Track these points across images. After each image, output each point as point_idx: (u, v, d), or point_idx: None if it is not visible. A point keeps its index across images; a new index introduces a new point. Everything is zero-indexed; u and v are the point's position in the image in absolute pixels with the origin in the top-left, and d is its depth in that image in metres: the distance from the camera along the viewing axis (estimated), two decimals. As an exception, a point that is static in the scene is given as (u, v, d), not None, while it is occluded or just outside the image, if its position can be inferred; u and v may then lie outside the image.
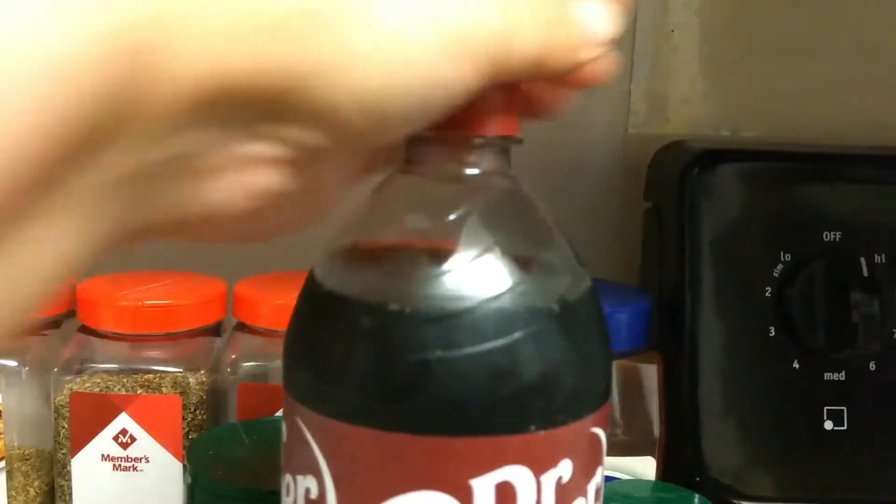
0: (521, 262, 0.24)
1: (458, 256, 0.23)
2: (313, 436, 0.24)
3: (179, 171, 0.19)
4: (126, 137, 0.17)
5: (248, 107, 0.19)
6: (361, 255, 0.25)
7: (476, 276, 0.23)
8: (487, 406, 0.23)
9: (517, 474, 0.23)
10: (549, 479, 0.23)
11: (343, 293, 0.24)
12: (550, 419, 0.23)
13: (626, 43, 0.59)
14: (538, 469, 0.23)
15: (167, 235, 0.22)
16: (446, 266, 0.23)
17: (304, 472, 0.24)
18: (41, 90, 0.14)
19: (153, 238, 0.21)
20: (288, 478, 0.25)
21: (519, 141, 0.26)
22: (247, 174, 0.21)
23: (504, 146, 0.26)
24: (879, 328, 0.50)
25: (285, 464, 0.26)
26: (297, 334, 0.25)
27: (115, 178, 0.17)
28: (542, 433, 0.23)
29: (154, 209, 0.20)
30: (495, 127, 0.25)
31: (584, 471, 0.24)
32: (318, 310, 0.25)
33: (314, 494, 0.24)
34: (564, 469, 0.24)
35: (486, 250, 0.24)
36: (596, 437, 0.25)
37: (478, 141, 0.25)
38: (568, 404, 0.23)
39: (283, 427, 0.26)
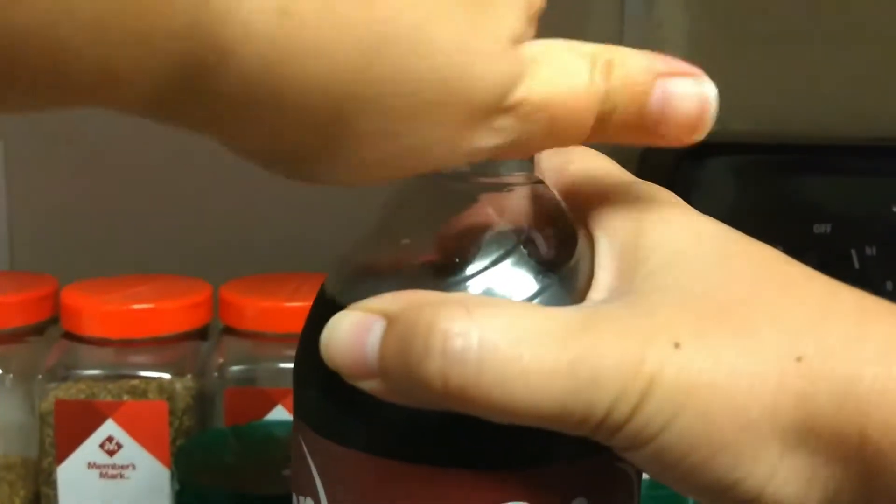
0: (540, 279, 0.23)
1: (469, 281, 0.22)
2: (312, 456, 0.23)
3: None
4: None
5: None
6: (372, 272, 0.24)
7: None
8: (485, 438, 0.21)
9: None
10: None
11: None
12: (555, 454, 0.22)
13: (613, 37, 0.59)
14: None
15: None
16: (457, 287, 0.22)
17: (304, 493, 0.24)
18: None
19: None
20: (294, 497, 0.25)
21: None
22: None
23: None
24: (872, 320, 0.49)
25: (292, 483, 0.25)
26: (303, 350, 0.25)
27: None
28: (546, 468, 0.22)
29: None
30: None
31: None
32: (318, 326, 0.24)
33: None
34: None
35: (502, 270, 0.22)
36: (622, 474, 0.23)
37: None
38: (575, 439, 0.21)
39: (292, 445, 0.25)
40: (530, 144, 0.22)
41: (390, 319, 0.21)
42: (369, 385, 0.21)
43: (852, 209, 0.52)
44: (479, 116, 0.20)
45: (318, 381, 0.23)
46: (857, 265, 0.51)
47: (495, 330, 0.20)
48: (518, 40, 0.20)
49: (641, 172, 0.24)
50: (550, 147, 0.23)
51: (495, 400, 0.20)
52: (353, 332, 0.21)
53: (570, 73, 0.21)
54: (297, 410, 0.24)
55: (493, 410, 0.20)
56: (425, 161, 0.21)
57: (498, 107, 0.20)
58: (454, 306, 0.20)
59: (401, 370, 0.20)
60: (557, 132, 0.21)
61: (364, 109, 0.19)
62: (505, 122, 0.21)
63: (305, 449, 0.23)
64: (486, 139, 0.21)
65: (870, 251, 0.51)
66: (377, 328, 0.21)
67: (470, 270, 0.22)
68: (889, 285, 0.52)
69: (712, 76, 0.23)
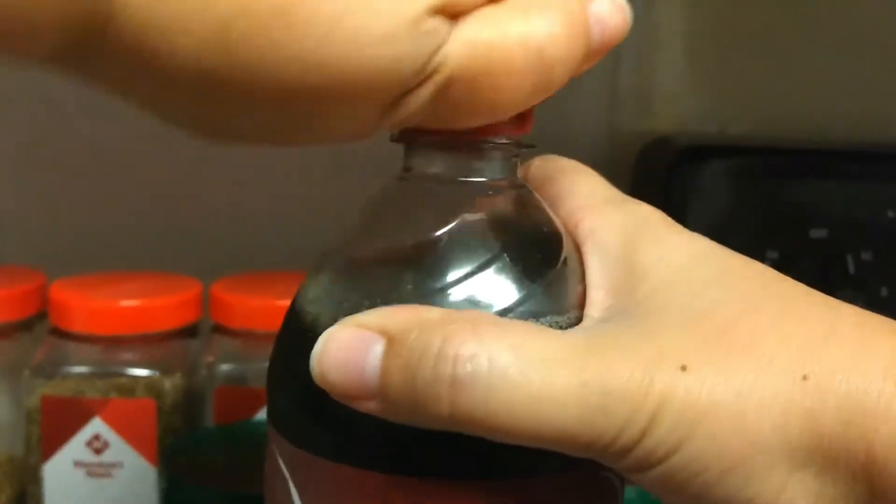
0: (525, 285, 0.22)
1: (452, 288, 0.22)
2: (288, 468, 0.23)
3: None
4: None
5: None
6: (352, 279, 0.23)
7: (468, 304, 0.22)
8: (469, 449, 0.21)
9: None
10: None
11: (319, 319, 0.22)
12: (540, 464, 0.21)
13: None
14: None
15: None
16: (441, 295, 0.22)
17: None
18: None
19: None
20: None
21: (530, 145, 0.24)
22: None
23: (512, 151, 0.23)
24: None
25: (265, 495, 0.24)
26: (275, 358, 0.24)
27: None
28: (531, 479, 0.21)
29: None
30: (503, 129, 0.22)
31: None
32: (294, 333, 0.23)
33: None
34: None
35: (486, 276, 0.22)
36: (607, 482, 0.23)
37: (484, 145, 0.23)
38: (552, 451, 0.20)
39: (266, 454, 0.24)
40: (460, 110, 0.21)
41: (390, 338, 0.20)
42: (365, 406, 0.20)
43: (849, 214, 0.52)
44: (385, 100, 0.19)
45: (297, 390, 0.23)
46: (852, 270, 0.51)
47: (504, 353, 0.20)
48: (441, 8, 0.19)
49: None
50: (489, 113, 0.21)
51: (502, 424, 0.20)
52: (349, 350, 0.20)
53: (500, 27, 0.20)
54: (273, 420, 0.23)
55: (499, 433, 0.20)
56: (327, 136, 0.20)
57: (409, 85, 0.19)
58: (462, 327, 0.20)
59: (405, 393, 0.20)
60: (490, 97, 0.20)
61: (240, 87, 0.18)
62: (422, 92, 0.20)
63: (281, 461, 0.23)
64: (400, 114, 0.20)
65: (866, 256, 0.51)
66: (377, 348, 0.20)
67: (452, 277, 0.22)
68: (884, 291, 0.51)
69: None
